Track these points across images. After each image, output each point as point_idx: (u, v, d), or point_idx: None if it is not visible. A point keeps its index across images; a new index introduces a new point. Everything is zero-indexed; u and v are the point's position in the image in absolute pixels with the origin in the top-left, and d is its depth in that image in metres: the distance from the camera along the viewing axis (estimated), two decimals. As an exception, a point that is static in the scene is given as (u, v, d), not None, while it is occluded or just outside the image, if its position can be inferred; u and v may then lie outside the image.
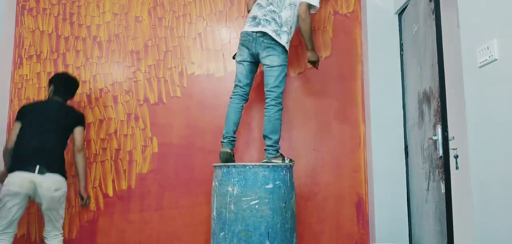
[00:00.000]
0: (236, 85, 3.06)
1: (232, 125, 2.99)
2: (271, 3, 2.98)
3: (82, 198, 3.11)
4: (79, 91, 3.51)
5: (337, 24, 3.59)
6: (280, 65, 2.91)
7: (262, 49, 2.92)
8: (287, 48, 2.97)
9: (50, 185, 2.82)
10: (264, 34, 2.89)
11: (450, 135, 2.57)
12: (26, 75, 3.55)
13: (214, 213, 2.80)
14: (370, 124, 3.32)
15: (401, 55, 3.34)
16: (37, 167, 2.80)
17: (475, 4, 2.17)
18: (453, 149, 2.66)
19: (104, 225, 3.38)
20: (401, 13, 3.34)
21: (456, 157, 2.69)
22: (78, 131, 3.04)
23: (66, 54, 3.57)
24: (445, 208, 2.51)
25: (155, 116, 3.49)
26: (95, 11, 3.63)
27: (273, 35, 2.88)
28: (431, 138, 2.66)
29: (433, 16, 2.66)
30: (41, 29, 3.60)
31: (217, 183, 2.82)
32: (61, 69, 3.53)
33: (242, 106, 3.04)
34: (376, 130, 3.29)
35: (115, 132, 3.48)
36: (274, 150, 2.90)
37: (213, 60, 3.57)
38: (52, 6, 3.63)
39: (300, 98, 3.50)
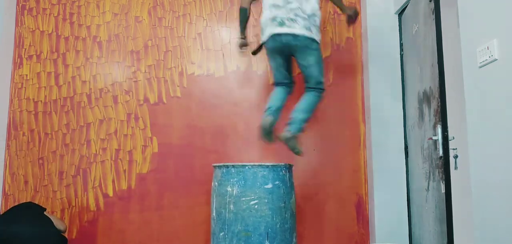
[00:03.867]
0: (274, 77, 2.96)
1: (274, 105, 2.86)
2: (289, 2, 2.73)
3: None
4: (79, 91, 3.52)
5: (337, 24, 3.59)
6: (318, 61, 2.79)
7: (296, 51, 2.76)
8: (319, 41, 2.80)
9: None
10: (294, 35, 2.69)
11: (450, 135, 2.57)
12: (26, 75, 3.55)
13: (214, 213, 2.80)
14: (370, 124, 3.31)
15: (401, 55, 3.34)
16: None
17: (475, 4, 2.17)
18: (453, 149, 2.66)
19: (104, 225, 3.38)
20: (401, 13, 3.34)
21: (455, 157, 2.69)
22: None
23: (66, 54, 3.57)
24: (445, 208, 2.51)
25: (155, 116, 3.49)
26: (95, 11, 3.63)
27: (306, 33, 2.69)
28: (431, 138, 2.65)
29: (433, 16, 2.66)
30: (41, 29, 3.60)
31: (216, 183, 2.82)
32: (61, 69, 3.54)
33: (287, 96, 2.95)
34: (376, 130, 3.29)
35: (115, 132, 3.48)
36: (301, 128, 2.80)
37: (213, 60, 3.57)
38: (52, 6, 3.63)
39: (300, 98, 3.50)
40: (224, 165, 2.80)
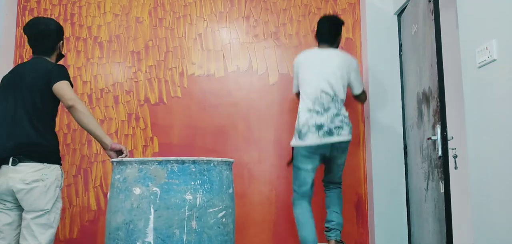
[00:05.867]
0: (302, 193, 2.87)
1: (313, 229, 2.84)
2: (330, 108, 2.80)
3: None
4: (80, 91, 3.53)
5: (336, 24, 3.60)
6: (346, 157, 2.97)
7: (339, 152, 2.87)
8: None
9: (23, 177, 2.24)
10: (342, 142, 2.82)
11: (449, 135, 2.59)
12: (27, 75, 3.56)
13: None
14: (369, 124, 3.33)
15: (400, 56, 3.35)
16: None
17: (474, 4, 2.19)
18: (452, 149, 2.67)
19: (105, 224, 3.39)
20: (400, 13, 3.36)
21: (455, 157, 2.71)
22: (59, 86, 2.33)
23: (67, 55, 3.58)
24: (444, 208, 2.52)
25: (156, 116, 3.51)
26: (96, 11, 3.64)
27: (349, 138, 2.85)
28: (430, 138, 2.67)
29: (433, 17, 2.68)
30: (42, 30, 3.61)
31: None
32: (62, 70, 3.54)
33: (311, 204, 2.93)
34: (375, 130, 3.30)
35: (116, 132, 3.49)
36: (340, 232, 2.97)
37: (213, 60, 3.58)
38: (53, 7, 3.64)
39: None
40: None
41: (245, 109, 3.51)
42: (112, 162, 2.12)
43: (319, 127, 2.77)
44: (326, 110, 2.79)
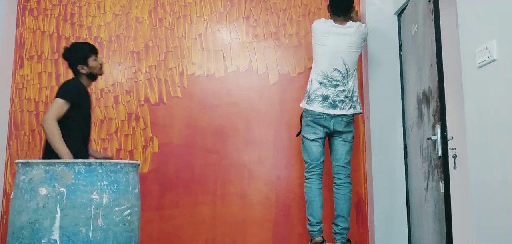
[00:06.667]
0: (311, 164, 2.97)
1: (320, 209, 2.91)
2: (338, 84, 2.93)
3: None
4: (80, 91, 3.53)
5: (336, 24, 3.60)
6: (352, 141, 3.01)
7: (342, 127, 2.94)
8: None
9: None
10: (344, 114, 2.93)
11: (449, 135, 2.59)
12: (27, 75, 3.57)
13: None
14: (369, 124, 3.33)
15: (400, 56, 3.35)
16: None
17: (474, 4, 2.19)
18: (452, 149, 2.67)
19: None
20: (400, 13, 3.36)
21: (454, 157, 2.71)
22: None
23: (67, 55, 3.58)
24: (444, 208, 2.52)
25: (156, 116, 3.51)
26: (96, 11, 3.64)
27: (353, 112, 2.95)
28: (430, 138, 2.67)
29: (432, 17, 2.68)
30: (42, 30, 3.62)
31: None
32: (62, 70, 3.55)
33: (322, 185, 2.97)
34: (375, 130, 3.30)
35: (116, 132, 3.50)
36: (346, 234, 2.95)
37: (213, 60, 3.58)
38: (53, 7, 3.65)
39: (300, 98, 3.51)
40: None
41: (245, 109, 3.52)
42: (17, 163, 2.13)
43: (325, 98, 2.92)
44: (334, 86, 2.93)
